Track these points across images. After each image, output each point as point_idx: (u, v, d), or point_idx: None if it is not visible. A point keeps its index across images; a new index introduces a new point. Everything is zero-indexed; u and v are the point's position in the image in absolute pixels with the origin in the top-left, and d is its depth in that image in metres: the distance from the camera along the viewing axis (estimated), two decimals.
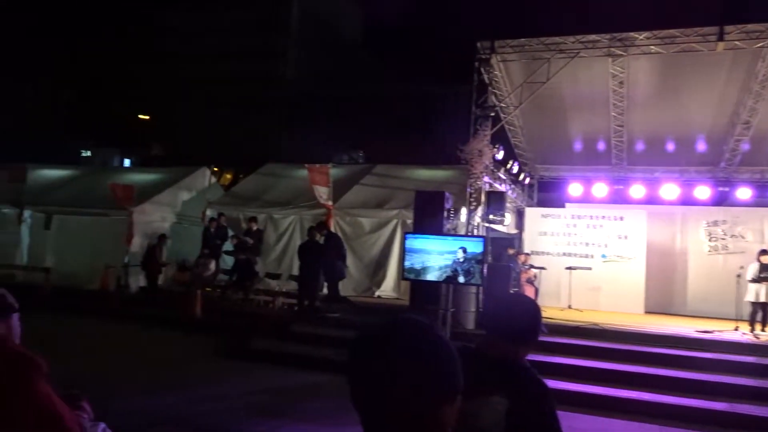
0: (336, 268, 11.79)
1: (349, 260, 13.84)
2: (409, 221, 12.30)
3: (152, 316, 12.42)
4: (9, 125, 36.85)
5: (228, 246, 14.42)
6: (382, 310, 11.62)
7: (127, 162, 46.20)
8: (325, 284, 11.98)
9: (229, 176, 35.99)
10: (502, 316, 2.16)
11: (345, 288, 13.56)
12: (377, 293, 13.59)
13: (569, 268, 14.04)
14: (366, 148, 43.15)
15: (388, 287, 13.67)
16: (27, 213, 15.92)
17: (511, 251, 14.28)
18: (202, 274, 13.71)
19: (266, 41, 54.75)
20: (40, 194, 16.31)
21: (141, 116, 45.93)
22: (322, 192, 13.77)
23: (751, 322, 10.81)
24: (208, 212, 15.21)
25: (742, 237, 14.33)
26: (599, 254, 14.71)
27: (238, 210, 15.18)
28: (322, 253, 11.66)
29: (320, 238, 11.94)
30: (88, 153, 51.21)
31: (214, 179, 18.66)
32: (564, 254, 14.89)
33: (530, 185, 17.26)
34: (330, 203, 13.84)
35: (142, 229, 14.92)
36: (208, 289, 13.44)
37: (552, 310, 12.03)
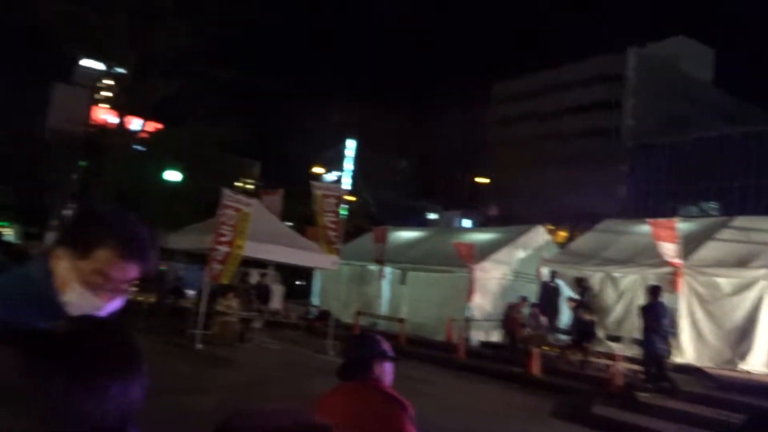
0: (650, 341, 10.41)
1: (705, 326, 12.19)
2: None
3: (493, 371, 12.82)
4: (375, 193, 43.48)
5: (563, 305, 14.15)
6: (752, 388, 9.79)
7: (468, 223, 49.75)
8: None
9: (564, 234, 35.63)
10: None
11: (700, 358, 11.95)
12: (742, 366, 11.56)
13: None
14: (722, 199, 38.11)
15: (757, 361, 11.51)
16: (387, 269, 18.28)
17: None
18: (533, 331, 13.68)
19: (600, 93, 53.67)
20: (398, 253, 18.61)
21: (479, 179, 49.16)
22: (669, 249, 12.53)
23: None
24: (543, 270, 15.23)
25: None
26: None
27: (574, 268, 14.82)
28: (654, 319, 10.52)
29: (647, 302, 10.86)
30: (435, 216, 56.95)
31: (549, 237, 18.70)
32: None
33: None
34: (678, 261, 12.48)
35: (481, 285, 15.72)
36: (545, 347, 13.30)
37: None
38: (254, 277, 18.13)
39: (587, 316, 12.94)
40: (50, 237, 21.26)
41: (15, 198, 31.03)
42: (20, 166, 29.99)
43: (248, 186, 38.97)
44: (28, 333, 0.83)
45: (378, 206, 42.53)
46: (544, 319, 13.95)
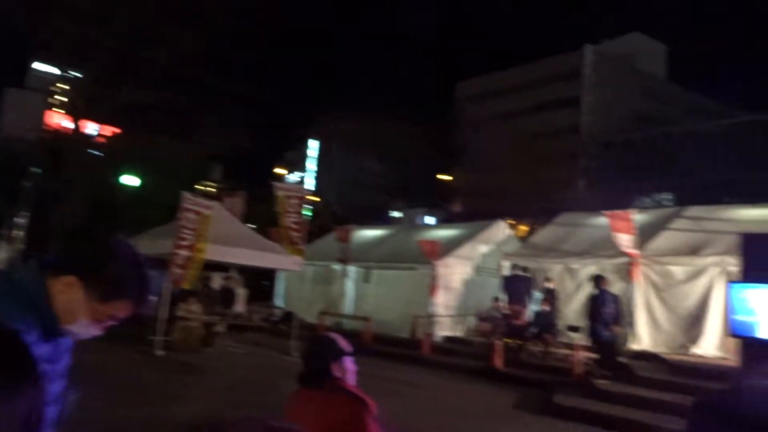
0: (593, 330, 10.97)
1: (660, 313, 12.58)
2: (731, 268, 10.67)
3: (456, 366, 12.98)
4: (339, 193, 43.43)
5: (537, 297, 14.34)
6: (703, 370, 10.15)
7: (431, 220, 50.06)
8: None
9: (525, 228, 36.19)
10: None
11: (656, 344, 12.33)
12: (694, 350, 11.97)
13: None
14: (676, 190, 39.25)
15: (708, 345, 11.94)
16: (351, 268, 18.30)
17: None
18: (511, 323, 13.87)
19: (559, 91, 54.62)
20: (362, 251, 18.65)
21: (443, 177, 49.54)
22: (625, 240, 12.88)
23: None
24: (504, 263, 15.47)
25: None
26: None
27: (534, 260, 15.11)
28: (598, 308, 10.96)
29: (595, 291, 11.28)
30: (399, 214, 57.17)
31: (510, 232, 18.99)
32: None
33: None
34: (635, 251, 12.85)
35: (445, 281, 15.88)
36: (507, 340, 13.52)
37: None
38: (217, 280, 17.93)
39: (545, 308, 13.22)
40: (2, 245, 20.65)
41: None
42: None
43: (210, 189, 38.46)
44: None
45: (342, 206, 42.47)
46: (524, 313, 14.02)
